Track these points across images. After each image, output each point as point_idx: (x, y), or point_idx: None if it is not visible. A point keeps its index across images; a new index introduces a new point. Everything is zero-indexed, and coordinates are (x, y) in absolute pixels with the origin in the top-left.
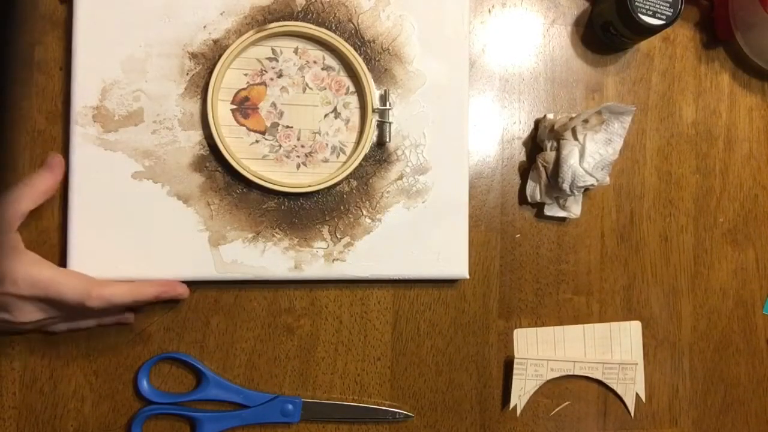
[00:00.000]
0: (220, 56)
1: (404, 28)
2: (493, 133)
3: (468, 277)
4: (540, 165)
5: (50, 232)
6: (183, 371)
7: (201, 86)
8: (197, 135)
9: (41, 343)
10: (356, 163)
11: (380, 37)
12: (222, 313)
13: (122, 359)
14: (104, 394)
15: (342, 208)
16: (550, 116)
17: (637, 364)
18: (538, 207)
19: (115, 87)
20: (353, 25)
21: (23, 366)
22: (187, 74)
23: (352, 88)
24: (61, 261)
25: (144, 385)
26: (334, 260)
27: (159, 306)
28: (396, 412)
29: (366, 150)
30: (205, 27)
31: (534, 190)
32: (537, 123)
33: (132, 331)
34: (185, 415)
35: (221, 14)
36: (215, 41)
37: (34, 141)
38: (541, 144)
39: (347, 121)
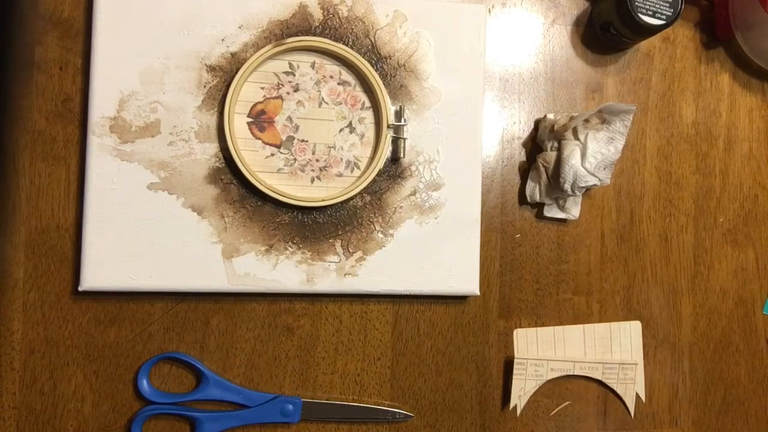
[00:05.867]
0: (237, 69)
1: (421, 44)
2: (493, 133)
3: (479, 294)
4: (540, 165)
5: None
6: (183, 371)
7: (218, 99)
8: (213, 147)
9: (41, 343)
10: (370, 178)
11: (397, 53)
12: (222, 313)
13: (122, 359)
14: (104, 394)
15: (355, 222)
16: (550, 116)
17: (637, 364)
18: (538, 207)
19: (132, 98)
20: (370, 40)
21: (23, 366)
22: (205, 87)
23: (367, 104)
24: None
25: (144, 385)
26: (345, 274)
27: (159, 306)
28: (396, 412)
29: (380, 165)
30: (223, 40)
31: (534, 190)
32: (537, 123)
33: (132, 331)
34: (185, 415)
35: (239, 28)
36: (233, 54)
37: (34, 141)
38: (541, 144)
39: (362, 136)
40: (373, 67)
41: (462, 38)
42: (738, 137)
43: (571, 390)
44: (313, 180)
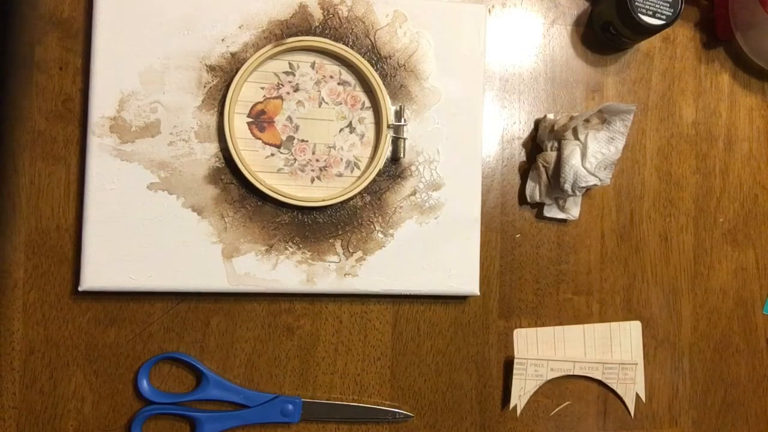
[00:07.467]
0: (237, 69)
1: (421, 44)
2: (493, 133)
3: (479, 294)
4: (540, 165)
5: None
6: (183, 371)
7: (218, 99)
8: (213, 147)
9: (41, 343)
10: (370, 178)
11: (397, 53)
12: (222, 313)
13: (122, 359)
14: (104, 394)
15: (355, 222)
16: (550, 116)
17: (637, 364)
18: (538, 207)
19: (132, 98)
20: (370, 40)
21: (23, 366)
22: (205, 87)
23: (367, 104)
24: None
25: (144, 385)
26: (345, 274)
27: (159, 306)
28: (396, 412)
29: (380, 165)
30: (223, 40)
31: (534, 190)
32: (537, 123)
33: (132, 331)
34: (185, 415)
35: (239, 28)
36: (233, 54)
37: (34, 141)
38: (541, 144)
39: (362, 136)
40: (373, 67)
41: (462, 38)
42: (738, 137)
43: (571, 390)
44: (313, 180)
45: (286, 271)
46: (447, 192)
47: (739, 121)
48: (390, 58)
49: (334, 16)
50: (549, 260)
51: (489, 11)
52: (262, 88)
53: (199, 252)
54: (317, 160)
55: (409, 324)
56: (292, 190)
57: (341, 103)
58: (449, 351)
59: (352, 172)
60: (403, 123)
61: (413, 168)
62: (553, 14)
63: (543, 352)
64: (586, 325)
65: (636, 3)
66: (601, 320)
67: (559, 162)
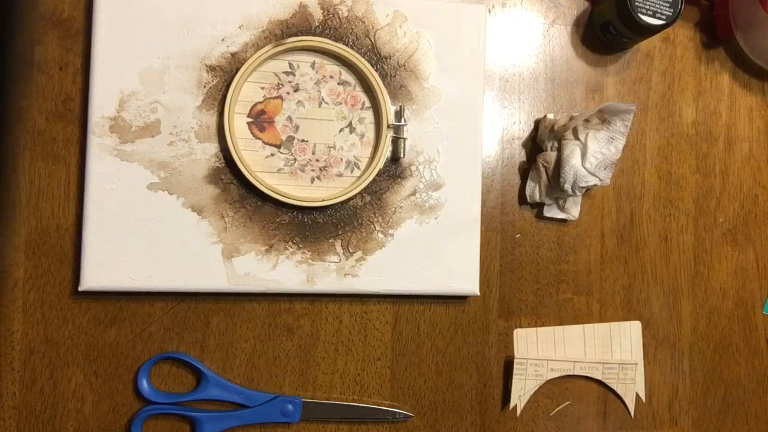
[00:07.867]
0: (237, 69)
1: (421, 44)
2: (493, 133)
3: (479, 294)
4: (540, 165)
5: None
6: (183, 371)
7: (218, 99)
8: (213, 147)
9: (41, 343)
10: (370, 179)
11: (397, 53)
12: (222, 313)
13: (122, 359)
14: (104, 394)
15: (355, 222)
16: (550, 116)
17: (637, 364)
18: (538, 207)
19: (132, 98)
20: (370, 40)
21: (23, 366)
22: (205, 87)
23: (367, 104)
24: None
25: (144, 385)
26: (345, 274)
27: (159, 306)
28: (396, 412)
29: (380, 165)
30: (223, 40)
31: (534, 190)
32: (537, 123)
33: (132, 331)
34: (185, 415)
35: (239, 28)
36: (233, 54)
37: (34, 141)
38: (541, 144)
39: (362, 136)
40: (373, 67)
41: (462, 38)
42: (738, 137)
43: (571, 390)
44: (313, 180)
45: (286, 271)
46: (447, 192)
47: (739, 121)
48: (390, 58)
49: (334, 16)
50: (549, 260)
51: (489, 11)
52: (262, 88)
53: (199, 252)
54: (317, 160)
55: (409, 324)
56: (292, 190)
57: (341, 103)
58: (449, 351)
59: (352, 172)
60: (403, 123)
61: (413, 168)
62: (553, 14)
63: (543, 352)
64: (586, 325)
65: (636, 3)
66: (601, 320)
67: (559, 162)
